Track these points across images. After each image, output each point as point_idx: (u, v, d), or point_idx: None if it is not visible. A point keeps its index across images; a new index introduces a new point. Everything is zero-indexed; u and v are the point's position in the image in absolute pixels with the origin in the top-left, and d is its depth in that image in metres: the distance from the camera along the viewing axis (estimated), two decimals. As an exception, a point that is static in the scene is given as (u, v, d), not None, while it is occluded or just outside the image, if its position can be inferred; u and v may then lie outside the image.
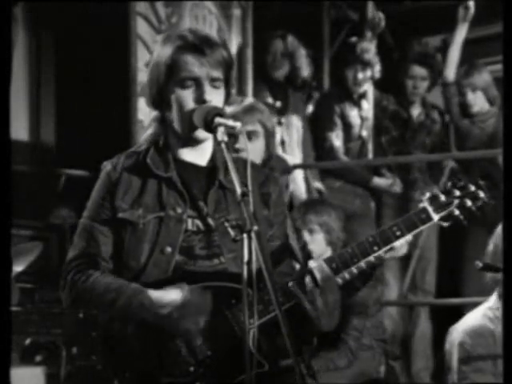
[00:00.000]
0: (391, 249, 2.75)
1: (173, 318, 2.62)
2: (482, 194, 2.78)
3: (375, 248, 2.71)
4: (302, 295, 2.65)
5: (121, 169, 2.80)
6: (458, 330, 3.66)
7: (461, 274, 6.13)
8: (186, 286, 2.65)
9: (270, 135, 3.84)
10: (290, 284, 2.67)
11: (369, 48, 6.27)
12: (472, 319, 3.69)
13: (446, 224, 2.78)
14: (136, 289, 2.67)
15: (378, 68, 6.33)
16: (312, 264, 2.69)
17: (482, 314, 3.65)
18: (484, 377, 3.52)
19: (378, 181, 6.28)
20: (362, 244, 2.71)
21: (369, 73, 6.30)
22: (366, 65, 6.26)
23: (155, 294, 2.64)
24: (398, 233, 2.72)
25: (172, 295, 2.63)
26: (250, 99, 3.84)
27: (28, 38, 5.87)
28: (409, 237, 2.73)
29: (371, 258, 2.79)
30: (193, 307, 2.63)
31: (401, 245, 2.74)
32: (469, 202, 2.77)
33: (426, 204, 2.76)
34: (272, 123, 3.90)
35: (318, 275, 2.66)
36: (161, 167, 2.79)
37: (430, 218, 2.75)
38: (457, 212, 2.76)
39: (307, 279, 2.66)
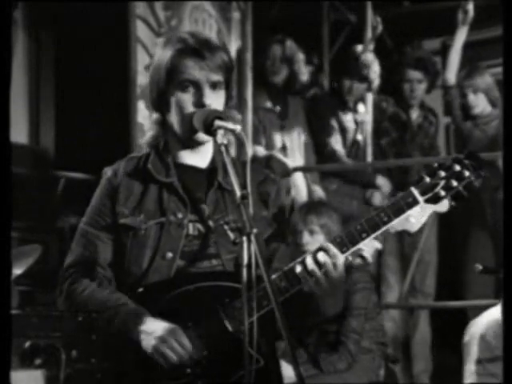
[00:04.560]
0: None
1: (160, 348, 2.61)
2: (467, 173, 2.71)
3: (364, 235, 2.67)
4: (307, 275, 2.63)
5: (122, 175, 2.80)
6: (480, 323, 3.66)
7: (461, 277, 6.13)
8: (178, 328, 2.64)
9: (244, 143, 3.84)
10: (293, 266, 2.65)
11: (370, 62, 6.26)
12: (493, 313, 3.69)
13: (433, 206, 2.73)
14: (131, 312, 2.65)
15: (376, 83, 6.34)
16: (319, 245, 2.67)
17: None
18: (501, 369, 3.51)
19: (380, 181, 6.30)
20: (349, 232, 2.68)
21: (365, 85, 6.32)
22: (364, 79, 6.27)
23: (149, 323, 2.62)
24: (386, 218, 2.68)
25: (162, 327, 2.62)
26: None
27: (27, 41, 5.87)
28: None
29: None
30: (178, 344, 2.61)
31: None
32: (454, 183, 2.71)
33: (411, 187, 2.73)
34: (244, 134, 3.92)
35: (323, 254, 2.64)
36: (162, 172, 2.78)
37: (416, 201, 2.70)
38: (443, 193, 2.71)
39: (309, 260, 2.65)
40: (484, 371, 3.57)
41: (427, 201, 2.71)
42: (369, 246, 2.70)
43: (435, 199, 2.71)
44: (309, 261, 2.63)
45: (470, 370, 3.61)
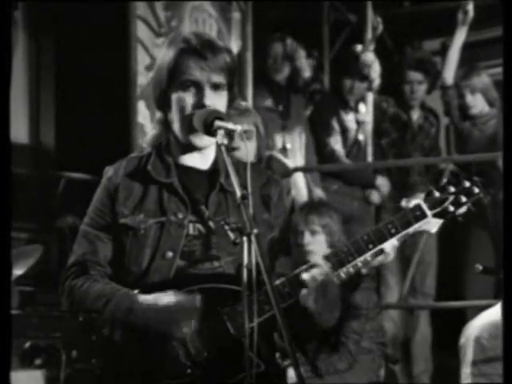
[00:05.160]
0: (380, 253, 2.73)
1: (164, 323, 2.62)
2: (476, 190, 2.75)
3: (370, 246, 2.69)
4: (305, 292, 2.64)
5: (122, 174, 2.80)
6: (475, 325, 3.66)
7: (461, 277, 6.13)
8: (178, 291, 2.64)
9: (261, 138, 3.98)
10: (299, 273, 2.66)
11: (371, 61, 6.26)
12: (489, 315, 3.69)
13: (440, 220, 2.75)
14: (125, 294, 2.67)
15: (377, 82, 6.34)
16: (311, 262, 2.68)
17: (500, 310, 3.66)
18: (497, 371, 3.51)
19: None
20: (356, 242, 2.69)
21: (366, 85, 6.32)
22: (365, 78, 6.27)
23: (146, 299, 2.64)
24: (393, 230, 2.70)
25: (163, 300, 2.63)
26: (244, 103, 3.95)
27: (28, 41, 5.87)
28: (396, 242, 2.72)
29: (359, 263, 2.79)
30: (185, 312, 2.62)
31: (391, 250, 2.73)
32: (463, 198, 2.74)
33: (420, 201, 2.74)
34: (263, 127, 4.04)
35: (317, 273, 2.65)
36: (162, 173, 2.78)
37: (424, 215, 2.73)
38: (451, 208, 2.73)
39: (306, 276, 2.65)
40: (478, 372, 3.57)
41: (435, 215, 2.73)
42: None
43: (444, 214, 2.74)
44: (306, 277, 2.65)
45: (465, 372, 3.61)
